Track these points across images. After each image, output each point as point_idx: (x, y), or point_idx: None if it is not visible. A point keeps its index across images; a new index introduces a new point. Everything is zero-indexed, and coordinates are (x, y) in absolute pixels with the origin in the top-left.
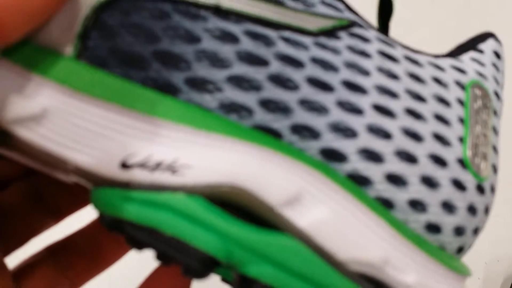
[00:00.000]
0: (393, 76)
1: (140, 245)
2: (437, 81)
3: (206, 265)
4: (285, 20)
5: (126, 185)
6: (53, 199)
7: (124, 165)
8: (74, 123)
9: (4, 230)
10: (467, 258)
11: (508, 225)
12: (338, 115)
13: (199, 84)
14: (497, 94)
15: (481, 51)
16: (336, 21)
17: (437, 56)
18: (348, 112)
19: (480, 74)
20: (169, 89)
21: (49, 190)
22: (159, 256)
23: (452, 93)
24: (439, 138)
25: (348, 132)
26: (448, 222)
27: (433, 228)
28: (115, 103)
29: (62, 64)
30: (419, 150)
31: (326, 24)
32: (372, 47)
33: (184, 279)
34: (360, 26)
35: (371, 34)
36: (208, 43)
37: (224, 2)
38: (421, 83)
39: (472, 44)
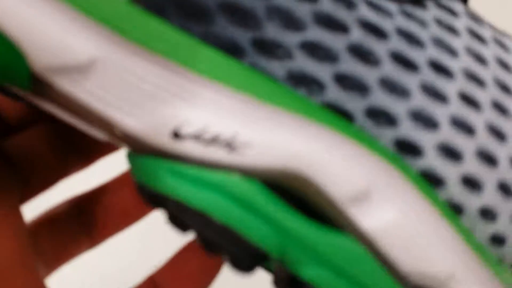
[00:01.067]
0: (481, 60)
1: (184, 228)
2: None
3: (257, 260)
4: None
5: (176, 157)
6: (82, 139)
7: (177, 135)
8: (125, 80)
9: (24, 173)
10: None
11: None
12: (421, 100)
13: (268, 47)
14: None
15: None
16: None
17: None
18: (432, 98)
19: None
20: (233, 49)
21: (77, 130)
22: (204, 242)
23: None
24: None
25: (429, 122)
26: None
27: (499, 240)
28: (173, 60)
29: (115, 5)
30: (502, 152)
31: None
32: (461, 23)
33: (213, 262)
34: None
35: (459, 7)
36: None
37: None
38: (509, 71)
39: None
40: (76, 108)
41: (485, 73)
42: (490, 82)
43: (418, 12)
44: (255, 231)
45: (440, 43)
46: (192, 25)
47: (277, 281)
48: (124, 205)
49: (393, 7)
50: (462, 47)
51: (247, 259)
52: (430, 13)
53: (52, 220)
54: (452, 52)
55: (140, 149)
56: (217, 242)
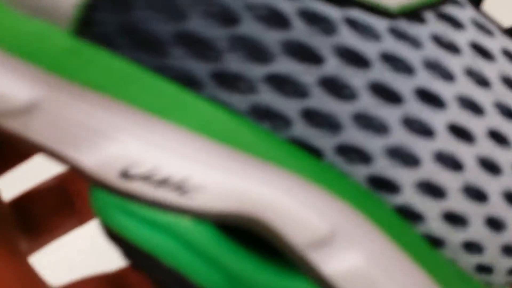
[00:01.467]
0: (483, 82)
1: (136, 267)
2: None
3: None
4: None
5: (126, 196)
6: (80, 199)
7: (125, 174)
8: (70, 117)
9: (26, 229)
10: None
11: None
12: (401, 136)
13: (229, 80)
14: None
15: None
16: None
17: None
18: (414, 134)
19: None
20: (190, 82)
21: (76, 189)
22: (153, 282)
23: None
24: None
25: (409, 159)
26: (504, 265)
27: (485, 269)
28: (119, 96)
29: (54, 43)
30: (493, 186)
31: None
32: (464, 37)
33: None
34: (454, 0)
35: (466, 13)
36: (249, 27)
37: None
38: None
39: None
40: (29, 144)
41: (485, 97)
42: (490, 108)
43: (413, 29)
44: (203, 276)
45: (433, 66)
46: (145, 57)
47: None
48: (68, 204)
49: (381, 26)
50: (460, 68)
51: None
52: (429, 28)
53: (33, 197)
54: (447, 76)
55: (95, 183)
56: (166, 283)
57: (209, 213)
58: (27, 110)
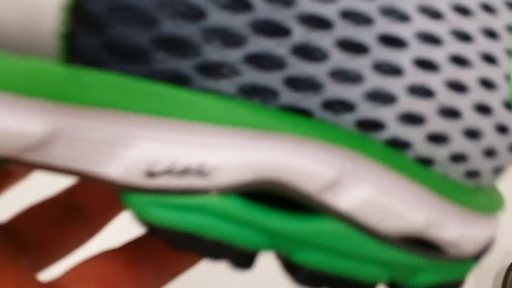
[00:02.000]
0: (436, 15)
1: (183, 248)
2: (486, 7)
3: (253, 258)
4: None
5: (156, 191)
6: (89, 208)
7: (149, 174)
8: (86, 137)
9: (29, 243)
10: None
11: (499, 217)
12: (375, 81)
13: (213, 69)
14: None
15: None
16: None
17: None
18: (386, 75)
19: None
20: (178, 80)
21: (84, 199)
22: (204, 255)
23: (501, 20)
24: (485, 83)
25: (386, 98)
26: (487, 166)
27: (473, 174)
28: (122, 110)
29: (51, 76)
30: (464, 103)
31: None
32: None
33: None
34: None
35: None
36: (216, 17)
37: None
38: (468, 16)
39: None
40: (56, 169)
41: (441, 28)
42: (447, 37)
43: None
44: (245, 239)
45: (390, 12)
46: (133, 68)
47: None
48: (107, 190)
49: None
50: (414, 8)
51: (244, 261)
52: None
53: (40, 214)
54: (403, 17)
55: (125, 189)
56: (215, 254)
57: (231, 186)
58: (45, 141)
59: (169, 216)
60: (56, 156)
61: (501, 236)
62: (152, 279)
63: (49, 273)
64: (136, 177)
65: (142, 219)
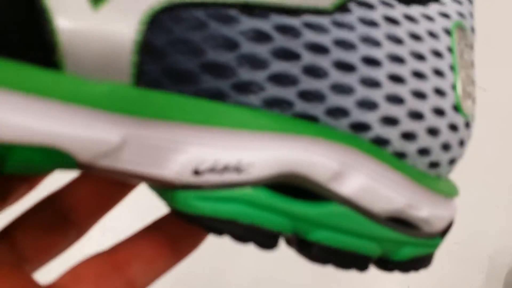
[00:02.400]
0: (399, 41)
1: (220, 233)
2: (432, 34)
3: (278, 240)
4: (301, 2)
5: (200, 187)
6: (74, 214)
7: (196, 172)
8: (149, 145)
9: (27, 250)
10: (470, 252)
11: (510, 217)
12: (362, 92)
13: (244, 87)
14: (472, 29)
15: None
16: None
17: (424, 2)
18: (369, 87)
19: (460, 14)
20: (219, 96)
21: (68, 205)
22: (237, 239)
23: (443, 43)
24: (439, 92)
25: (371, 105)
26: (445, 158)
27: (434, 165)
28: (177, 121)
29: (126, 95)
30: (425, 107)
31: None
32: (378, 14)
33: (169, 249)
34: None
35: None
36: (246, 47)
37: None
38: (420, 41)
39: None
40: (116, 173)
41: (403, 51)
42: (408, 57)
43: (346, 18)
44: (272, 222)
45: (367, 40)
46: (185, 88)
47: (289, 242)
48: (93, 192)
49: (326, 22)
50: (383, 36)
51: (271, 242)
52: (355, 15)
53: (32, 222)
54: (376, 43)
55: (172, 187)
56: (247, 237)
57: (262, 179)
58: (118, 147)
59: (210, 207)
60: (123, 162)
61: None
62: (141, 276)
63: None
64: (185, 176)
65: (186, 210)
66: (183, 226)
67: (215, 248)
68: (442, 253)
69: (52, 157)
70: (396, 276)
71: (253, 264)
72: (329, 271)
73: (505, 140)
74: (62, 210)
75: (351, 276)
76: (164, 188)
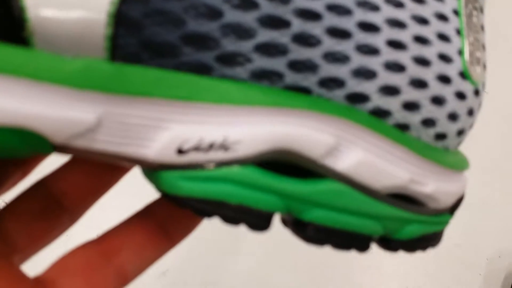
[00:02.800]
0: (399, 4)
1: (208, 215)
2: None
3: (270, 220)
4: None
5: (185, 167)
6: (67, 199)
7: (180, 151)
8: (127, 123)
9: (18, 238)
10: (468, 254)
11: (509, 220)
12: (358, 60)
13: (230, 59)
14: None
15: None
16: None
17: None
18: (366, 55)
19: None
20: (202, 69)
21: (61, 190)
22: (227, 221)
23: (448, 5)
24: (443, 57)
25: (368, 74)
26: (452, 129)
27: (441, 136)
28: (157, 97)
29: (101, 71)
30: (429, 74)
31: None
32: None
33: (160, 236)
34: None
35: None
36: (231, 15)
37: None
38: (423, 4)
39: None
40: (94, 154)
41: (404, 15)
42: (410, 21)
43: None
44: (263, 202)
45: (363, 3)
46: (165, 61)
47: (285, 222)
48: (86, 176)
49: None
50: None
51: (263, 223)
52: None
53: (23, 208)
54: (374, 7)
55: (155, 168)
56: (237, 218)
57: (250, 157)
58: (94, 127)
59: (197, 187)
60: (100, 142)
61: (510, 241)
62: (132, 265)
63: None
64: (169, 156)
65: (172, 192)
66: (174, 212)
67: (213, 249)
68: (441, 255)
69: (25, 139)
70: (394, 277)
71: (251, 265)
72: (327, 272)
73: (506, 142)
74: (54, 195)
75: (349, 276)
76: (148, 169)
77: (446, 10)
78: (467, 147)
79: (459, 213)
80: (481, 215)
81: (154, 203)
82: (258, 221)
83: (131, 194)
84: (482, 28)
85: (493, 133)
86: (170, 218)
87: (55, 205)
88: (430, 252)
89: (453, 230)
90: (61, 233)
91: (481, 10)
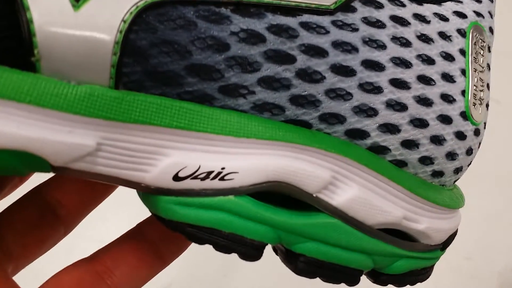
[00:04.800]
0: (405, 43)
1: (201, 242)
2: (443, 35)
3: (261, 250)
4: (301, 0)
5: (181, 193)
6: (62, 209)
7: (177, 178)
8: (127, 148)
9: (14, 247)
10: (480, 268)
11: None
12: (360, 98)
13: (233, 90)
14: (491, 30)
15: None
16: None
17: (439, 1)
18: (369, 93)
19: (478, 14)
20: (205, 99)
21: (56, 199)
22: (218, 248)
23: (455, 46)
24: (446, 98)
25: (370, 112)
26: (450, 167)
27: (438, 174)
28: (158, 125)
29: (104, 99)
30: (430, 114)
31: None
32: (384, 13)
33: (152, 256)
34: None
35: None
36: (237, 48)
37: None
38: (430, 43)
39: None
40: (92, 176)
41: (410, 54)
42: (415, 61)
43: (348, 18)
44: (255, 232)
45: (370, 42)
46: (169, 90)
47: (276, 251)
48: (79, 186)
49: (326, 21)
50: (388, 38)
51: (254, 252)
52: (359, 14)
53: (18, 217)
54: (380, 46)
55: (152, 192)
56: (229, 247)
57: (246, 188)
58: (93, 151)
59: (192, 214)
60: (99, 165)
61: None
62: (124, 284)
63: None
64: (166, 181)
65: (167, 217)
66: (166, 233)
67: (217, 263)
68: (452, 269)
69: (25, 161)
70: None
71: (254, 280)
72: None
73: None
74: (49, 204)
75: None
76: (144, 192)
77: (453, 49)
78: (479, 158)
79: (471, 226)
80: (493, 228)
81: (146, 222)
82: (250, 250)
83: (131, 204)
84: (488, 67)
85: (507, 145)
86: (162, 238)
87: (50, 214)
88: (442, 266)
89: (465, 243)
90: (55, 242)
91: (488, 49)
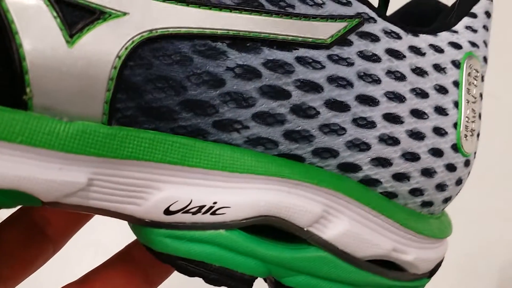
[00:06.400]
0: (400, 77)
1: (191, 274)
2: (437, 67)
3: (251, 284)
4: (297, 34)
5: (172, 226)
6: (50, 228)
7: (169, 212)
8: (119, 182)
9: (1, 268)
10: (480, 264)
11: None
12: (354, 132)
13: (227, 125)
14: (485, 59)
15: (474, 16)
16: (346, 22)
17: (435, 31)
18: (362, 128)
19: (473, 44)
20: (198, 134)
21: (44, 219)
22: (208, 282)
23: (449, 78)
24: (438, 131)
25: (362, 146)
26: (439, 198)
27: (427, 204)
28: (151, 161)
29: (96, 136)
30: (422, 148)
31: (338, 28)
32: (380, 47)
33: (140, 279)
34: (368, 19)
35: (379, 27)
36: (232, 84)
37: (237, 25)
38: (424, 76)
39: (466, 7)
40: (83, 209)
41: (404, 88)
42: (409, 94)
43: (344, 52)
44: (245, 266)
45: (365, 76)
46: (162, 125)
47: (266, 280)
48: (37, 238)
49: (322, 56)
50: (383, 72)
51: (244, 286)
52: (355, 48)
53: (7, 237)
54: (375, 80)
55: (142, 224)
56: (219, 280)
57: (237, 222)
58: (86, 187)
59: (182, 247)
60: (90, 199)
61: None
62: None
63: None
64: (157, 215)
65: (158, 249)
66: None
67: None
68: (451, 265)
69: (15, 197)
70: None
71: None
72: None
73: None
74: (37, 224)
75: None
76: (135, 224)
77: (447, 82)
78: (478, 154)
79: (471, 222)
80: (493, 224)
81: (135, 245)
82: (240, 284)
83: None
84: (481, 96)
85: (506, 142)
86: (150, 261)
87: (39, 234)
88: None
89: (465, 239)
90: (44, 262)
91: (481, 78)
